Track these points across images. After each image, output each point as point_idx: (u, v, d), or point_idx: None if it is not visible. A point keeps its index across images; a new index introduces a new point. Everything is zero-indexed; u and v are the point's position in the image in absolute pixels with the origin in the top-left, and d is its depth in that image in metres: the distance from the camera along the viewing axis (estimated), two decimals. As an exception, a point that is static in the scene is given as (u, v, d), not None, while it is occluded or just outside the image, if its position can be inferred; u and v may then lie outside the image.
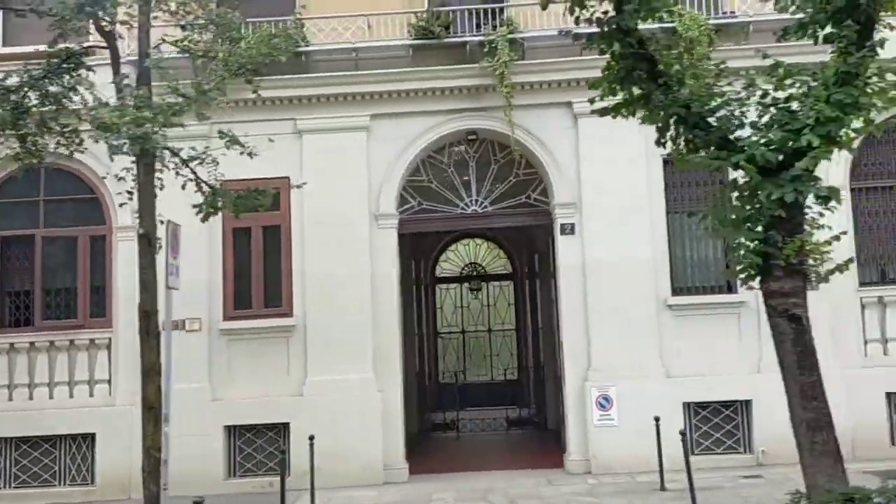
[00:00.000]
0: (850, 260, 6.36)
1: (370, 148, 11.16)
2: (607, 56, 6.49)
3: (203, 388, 10.79)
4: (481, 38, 10.89)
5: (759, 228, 6.04)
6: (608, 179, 10.94)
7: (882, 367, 10.62)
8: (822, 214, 6.14)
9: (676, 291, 10.97)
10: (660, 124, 6.38)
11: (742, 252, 6.08)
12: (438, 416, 17.24)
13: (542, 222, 11.55)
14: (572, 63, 10.75)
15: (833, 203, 5.98)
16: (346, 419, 10.59)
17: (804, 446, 6.11)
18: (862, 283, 10.90)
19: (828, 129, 5.64)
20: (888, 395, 10.54)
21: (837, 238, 6.28)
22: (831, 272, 6.21)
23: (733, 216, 6.20)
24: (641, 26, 6.47)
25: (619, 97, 6.59)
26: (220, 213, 10.25)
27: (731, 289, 10.87)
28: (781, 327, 6.18)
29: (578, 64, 10.60)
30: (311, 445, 9.32)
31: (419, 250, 18.53)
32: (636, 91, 6.45)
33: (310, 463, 9.28)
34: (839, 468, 5.96)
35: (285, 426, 10.74)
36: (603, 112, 6.69)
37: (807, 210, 6.23)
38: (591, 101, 6.71)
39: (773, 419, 10.38)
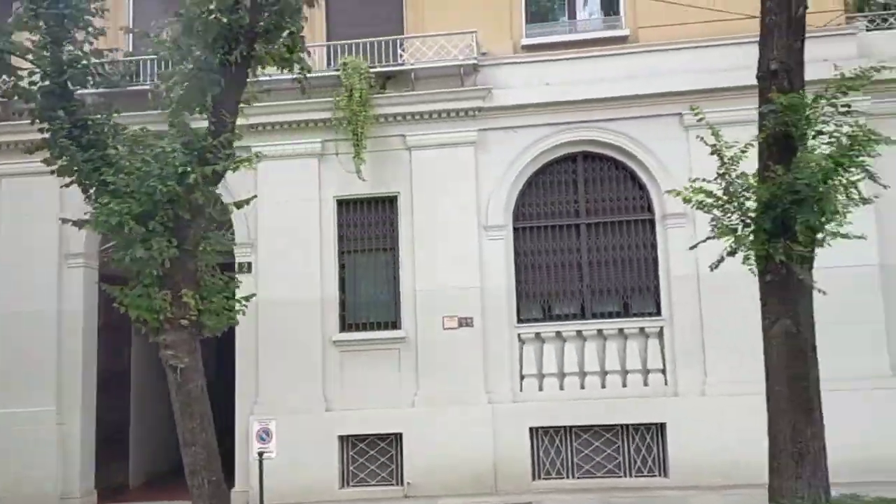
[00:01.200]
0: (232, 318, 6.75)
1: (63, 193, 11.72)
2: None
3: None
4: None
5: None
6: (283, 220, 11.41)
7: (532, 403, 10.90)
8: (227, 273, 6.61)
9: (348, 327, 11.38)
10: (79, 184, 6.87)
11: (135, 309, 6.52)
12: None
13: (227, 261, 12.02)
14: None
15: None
16: (25, 450, 11.14)
17: (189, 488, 6.52)
18: (522, 320, 11.20)
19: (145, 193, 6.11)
20: (532, 429, 10.80)
21: (235, 298, 6.71)
22: (219, 325, 6.64)
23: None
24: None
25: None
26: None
27: (394, 325, 11.29)
28: (171, 377, 6.60)
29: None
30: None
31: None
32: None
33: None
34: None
35: (-30, 456, 11.34)
36: (61, 172, 7.20)
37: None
38: (46, 161, 7.25)
39: (423, 451, 10.84)
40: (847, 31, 10.98)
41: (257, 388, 11.24)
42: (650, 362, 10.89)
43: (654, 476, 10.59)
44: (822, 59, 10.87)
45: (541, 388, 11.03)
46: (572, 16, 11.99)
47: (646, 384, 10.85)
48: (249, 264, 11.51)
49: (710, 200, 6.58)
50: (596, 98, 11.17)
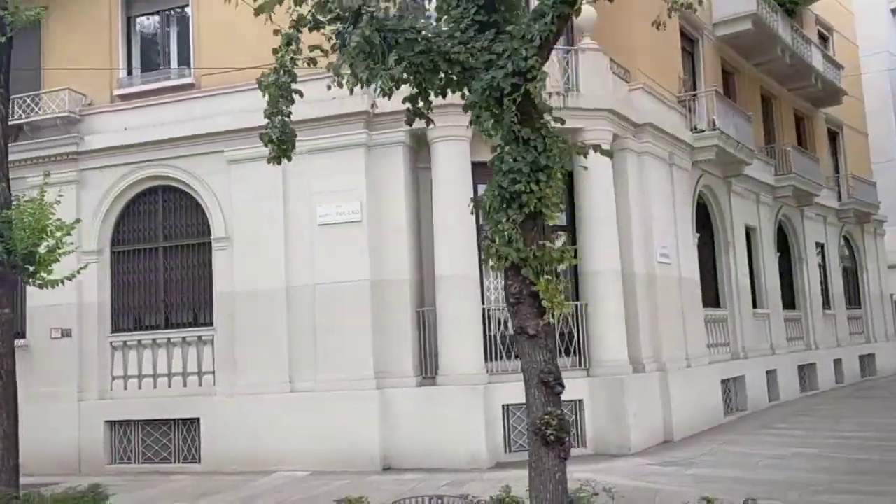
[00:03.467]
0: None
1: None
2: None
3: None
4: None
5: None
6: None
7: (116, 400, 13.04)
8: None
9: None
10: None
11: None
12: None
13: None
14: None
15: None
16: None
17: None
18: (119, 330, 13.30)
19: None
20: (109, 422, 12.96)
21: None
22: None
23: None
24: None
25: None
26: None
27: (23, 335, 13.66)
28: None
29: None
30: None
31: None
32: None
33: None
34: None
35: None
36: None
37: None
38: None
39: (30, 440, 13.20)
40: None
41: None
42: (205, 366, 12.74)
43: (193, 462, 12.51)
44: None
45: (125, 388, 13.15)
46: (164, 66, 13.77)
47: (200, 384, 12.73)
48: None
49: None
50: (164, 139, 12.96)
